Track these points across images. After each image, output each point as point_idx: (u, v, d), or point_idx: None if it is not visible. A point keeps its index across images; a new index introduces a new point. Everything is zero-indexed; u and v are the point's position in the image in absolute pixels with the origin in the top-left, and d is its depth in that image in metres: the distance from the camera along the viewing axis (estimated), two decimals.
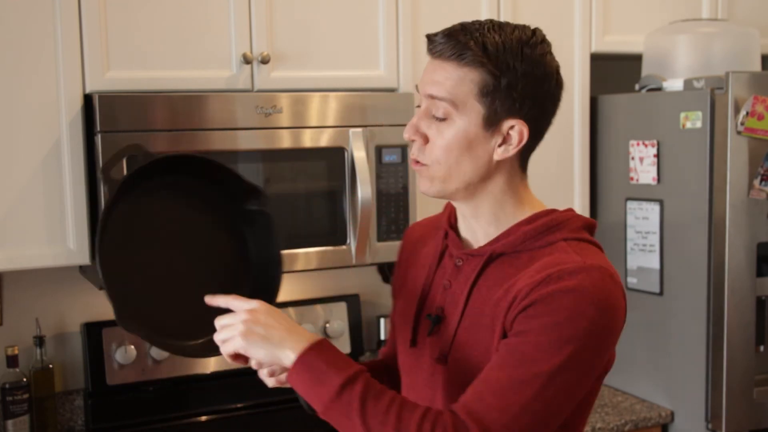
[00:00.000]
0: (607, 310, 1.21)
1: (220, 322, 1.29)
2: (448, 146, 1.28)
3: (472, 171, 1.30)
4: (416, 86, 1.35)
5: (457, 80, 1.26)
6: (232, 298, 1.32)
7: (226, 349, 1.28)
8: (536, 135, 1.33)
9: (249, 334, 1.24)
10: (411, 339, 1.41)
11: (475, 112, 1.27)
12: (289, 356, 1.23)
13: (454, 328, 1.33)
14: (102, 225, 1.38)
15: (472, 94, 1.26)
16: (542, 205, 1.37)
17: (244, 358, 1.30)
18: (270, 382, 1.40)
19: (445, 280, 1.38)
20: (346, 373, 1.21)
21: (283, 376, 1.35)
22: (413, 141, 1.32)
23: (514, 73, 1.25)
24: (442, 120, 1.28)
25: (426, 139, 1.30)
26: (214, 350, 1.33)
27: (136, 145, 1.43)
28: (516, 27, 1.30)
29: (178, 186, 1.46)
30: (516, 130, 1.28)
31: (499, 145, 1.29)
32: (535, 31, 1.31)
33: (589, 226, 1.36)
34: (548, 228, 1.30)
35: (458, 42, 1.26)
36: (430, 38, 1.30)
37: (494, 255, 1.31)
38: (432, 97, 1.28)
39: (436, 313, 1.37)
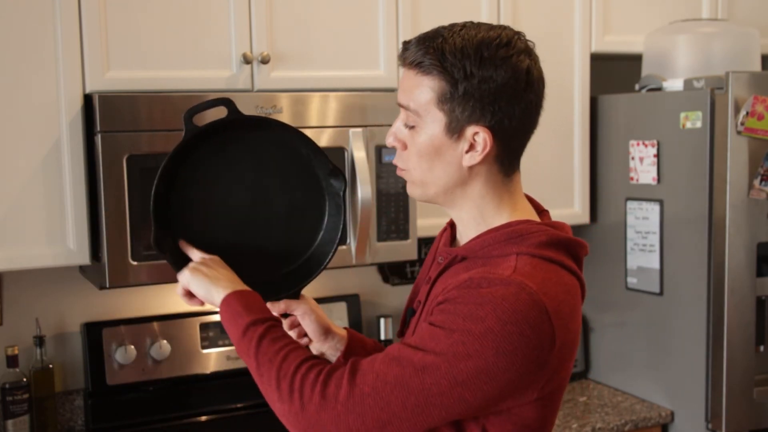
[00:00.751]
0: (510, 324, 1.18)
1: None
2: (419, 153, 1.31)
3: (446, 177, 1.31)
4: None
5: (418, 88, 1.28)
6: (197, 251, 1.46)
7: (179, 284, 1.43)
8: (509, 140, 1.30)
9: (195, 272, 1.41)
10: (399, 330, 1.47)
11: (437, 119, 1.27)
12: (220, 294, 1.37)
13: (417, 318, 1.38)
14: (178, 152, 1.45)
15: (433, 102, 1.27)
16: (526, 212, 1.35)
17: (197, 299, 1.44)
18: None
19: (428, 276, 1.41)
20: (256, 316, 1.32)
21: None
22: (393, 146, 1.35)
23: (471, 80, 1.24)
24: (412, 128, 1.31)
25: (405, 146, 1.33)
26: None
27: (228, 99, 1.48)
28: (487, 28, 1.28)
29: (266, 143, 1.53)
30: (480, 136, 1.27)
31: (467, 152, 1.28)
32: (503, 33, 1.27)
33: (561, 243, 1.30)
34: (508, 239, 1.28)
35: (419, 49, 1.27)
36: (404, 46, 1.32)
37: (458, 257, 1.33)
38: (401, 105, 1.32)
39: (414, 307, 1.42)
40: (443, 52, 1.24)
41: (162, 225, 1.46)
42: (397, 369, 1.21)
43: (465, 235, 1.37)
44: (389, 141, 1.35)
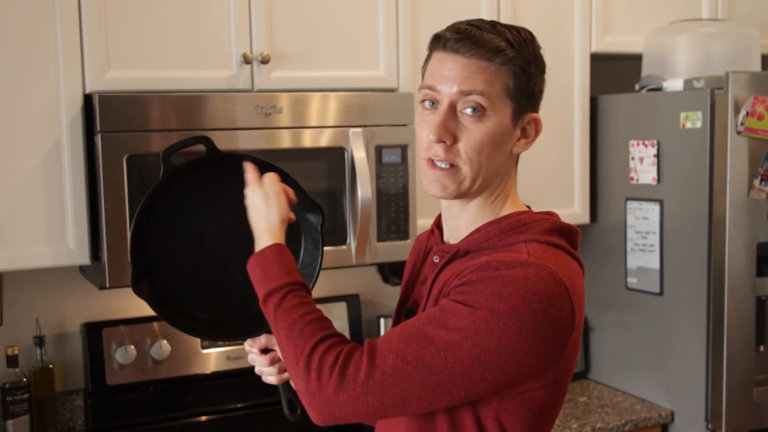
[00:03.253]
0: (535, 303, 1.19)
1: None
2: (481, 142, 1.28)
3: (497, 166, 1.31)
4: (428, 85, 1.31)
5: (490, 77, 1.27)
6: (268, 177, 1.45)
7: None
8: None
9: (266, 198, 1.41)
10: None
11: (506, 107, 1.29)
12: (258, 242, 1.37)
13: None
14: (156, 190, 1.44)
15: (503, 91, 1.28)
16: (522, 203, 1.39)
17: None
18: (274, 380, 1.50)
19: (423, 276, 1.41)
20: (270, 286, 1.32)
21: (286, 374, 1.48)
22: (441, 143, 1.28)
23: (532, 70, 1.30)
24: (476, 115, 1.27)
25: (455, 139, 1.29)
26: (224, 334, 1.50)
27: (206, 137, 1.49)
28: (515, 26, 1.32)
29: (242, 180, 1.50)
30: (533, 123, 1.34)
31: (518, 139, 1.33)
32: (527, 30, 1.34)
33: (562, 230, 1.33)
34: (512, 228, 1.31)
35: (487, 43, 1.27)
36: (455, 36, 1.28)
37: (460, 252, 1.33)
38: (468, 92, 1.27)
39: (410, 307, 1.41)
40: (511, 44, 1.27)
41: (140, 266, 1.43)
42: (418, 347, 1.20)
43: (466, 229, 1.36)
44: (438, 135, 1.27)
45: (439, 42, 1.31)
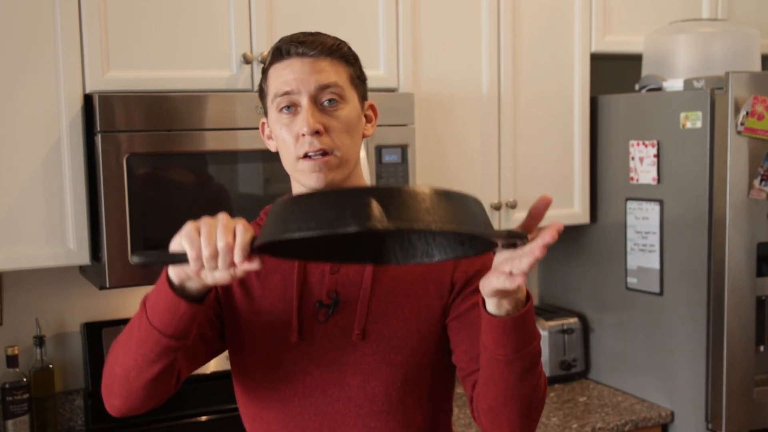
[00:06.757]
0: None
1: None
2: (347, 128, 1.39)
3: (357, 149, 1.42)
4: (284, 91, 1.37)
5: (337, 70, 1.40)
6: None
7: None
8: None
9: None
10: (298, 332, 1.40)
11: (354, 95, 1.42)
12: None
13: (365, 304, 1.39)
14: None
15: (349, 80, 1.42)
16: None
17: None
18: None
19: (325, 268, 1.42)
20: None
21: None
22: (316, 134, 1.35)
23: (359, 64, 1.47)
24: (336, 105, 1.38)
25: (326, 128, 1.37)
26: None
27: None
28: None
29: None
30: (371, 109, 1.49)
31: (365, 123, 1.47)
32: None
33: None
34: None
35: (324, 43, 1.40)
36: (295, 43, 1.38)
37: None
38: (325, 86, 1.37)
39: (330, 298, 1.41)
40: (342, 43, 1.44)
41: None
42: None
43: None
44: (312, 127, 1.34)
45: (280, 52, 1.39)
